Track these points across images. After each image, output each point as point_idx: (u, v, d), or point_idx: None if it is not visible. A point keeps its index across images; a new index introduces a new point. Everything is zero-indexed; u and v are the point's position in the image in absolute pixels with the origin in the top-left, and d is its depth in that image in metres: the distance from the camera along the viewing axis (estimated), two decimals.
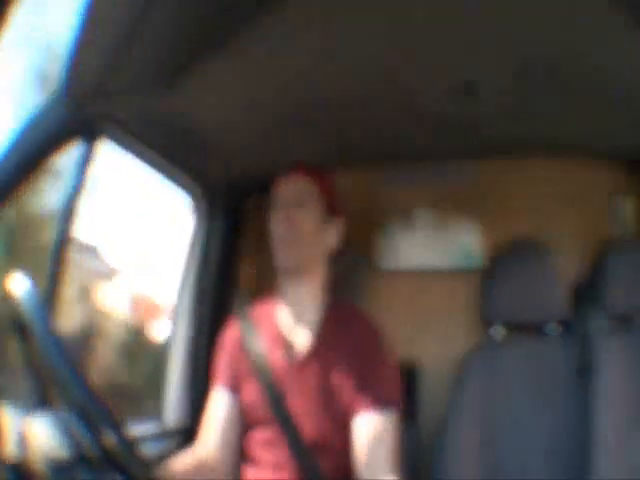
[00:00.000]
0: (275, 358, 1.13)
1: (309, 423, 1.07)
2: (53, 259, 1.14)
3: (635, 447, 1.35)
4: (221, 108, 1.35)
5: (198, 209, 1.68)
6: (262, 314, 1.21)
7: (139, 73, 1.15)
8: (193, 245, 1.68)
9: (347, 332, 1.13)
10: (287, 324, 1.16)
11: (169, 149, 1.46)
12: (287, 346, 1.14)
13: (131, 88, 1.17)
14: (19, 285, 0.66)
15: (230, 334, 1.22)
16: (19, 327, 0.66)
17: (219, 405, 1.15)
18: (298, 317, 1.15)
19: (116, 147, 1.31)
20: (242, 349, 1.16)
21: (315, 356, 1.11)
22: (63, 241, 1.17)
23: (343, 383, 1.08)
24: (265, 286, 1.27)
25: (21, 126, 1.02)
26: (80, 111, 1.12)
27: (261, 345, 1.14)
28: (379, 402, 1.06)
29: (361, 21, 1.07)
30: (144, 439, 1.42)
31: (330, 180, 1.20)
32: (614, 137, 1.55)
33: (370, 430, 1.04)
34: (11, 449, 0.64)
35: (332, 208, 1.17)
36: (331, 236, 1.18)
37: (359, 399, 1.07)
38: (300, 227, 1.12)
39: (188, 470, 1.05)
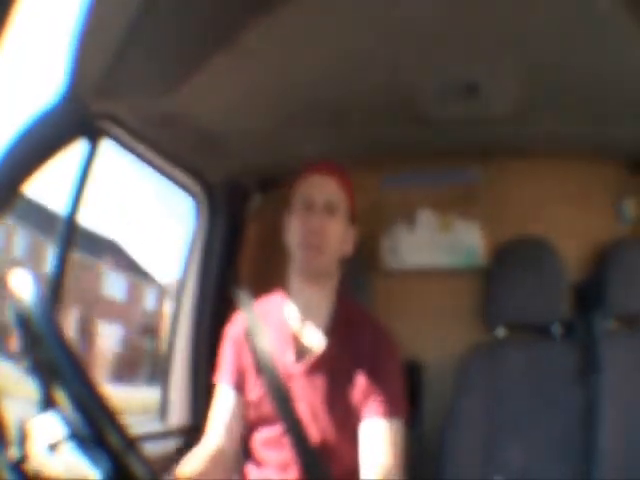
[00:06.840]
0: (284, 357, 1.11)
1: (315, 426, 1.06)
2: (57, 257, 1.14)
3: (637, 448, 1.34)
4: (222, 108, 1.36)
5: (199, 208, 1.69)
6: (267, 311, 1.19)
7: (141, 73, 1.15)
8: (194, 244, 1.68)
9: (357, 336, 1.11)
10: (297, 324, 1.14)
11: (171, 149, 1.46)
12: (298, 347, 1.12)
13: (133, 88, 1.18)
14: (22, 282, 0.65)
15: (235, 329, 1.19)
16: (22, 324, 0.66)
17: (224, 402, 1.14)
18: (308, 318, 1.14)
19: (118, 147, 1.31)
20: (247, 344, 1.14)
21: (325, 359, 1.10)
22: (67, 238, 1.17)
23: (351, 387, 1.07)
24: (266, 284, 1.26)
25: (24, 126, 1.02)
26: (83, 111, 1.13)
27: (268, 342, 1.12)
28: (386, 408, 1.05)
29: (362, 21, 1.07)
30: (147, 438, 1.42)
31: (352, 185, 1.17)
32: (617, 137, 1.55)
33: (376, 436, 1.03)
34: (13, 448, 0.64)
35: (353, 215, 1.16)
36: (348, 243, 1.16)
37: (366, 404, 1.06)
38: (331, 235, 1.10)
39: (203, 469, 1.02)
